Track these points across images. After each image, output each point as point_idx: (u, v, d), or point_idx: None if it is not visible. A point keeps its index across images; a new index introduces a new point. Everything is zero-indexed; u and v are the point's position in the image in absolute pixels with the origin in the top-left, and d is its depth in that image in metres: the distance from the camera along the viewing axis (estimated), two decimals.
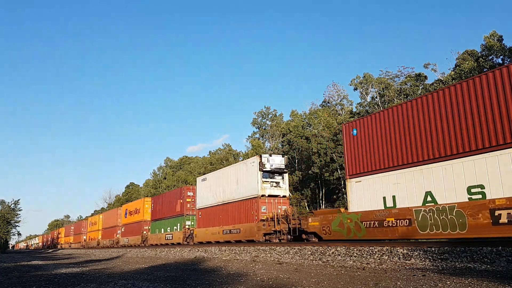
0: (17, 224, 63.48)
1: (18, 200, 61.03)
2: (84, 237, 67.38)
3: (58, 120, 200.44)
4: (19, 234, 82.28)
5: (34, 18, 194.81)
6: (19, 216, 61.92)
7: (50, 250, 77.64)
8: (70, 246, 75.59)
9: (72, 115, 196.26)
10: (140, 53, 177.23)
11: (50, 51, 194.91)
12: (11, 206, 60.43)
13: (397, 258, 11.64)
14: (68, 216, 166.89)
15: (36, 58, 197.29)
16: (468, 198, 12.78)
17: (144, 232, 40.99)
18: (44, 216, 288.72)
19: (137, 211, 43.85)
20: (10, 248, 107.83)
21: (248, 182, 25.22)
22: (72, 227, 79.33)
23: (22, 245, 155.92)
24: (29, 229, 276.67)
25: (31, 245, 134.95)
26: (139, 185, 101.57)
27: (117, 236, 49.89)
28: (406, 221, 14.37)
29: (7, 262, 24.88)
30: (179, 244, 32.73)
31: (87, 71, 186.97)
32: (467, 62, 35.48)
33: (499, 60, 35.35)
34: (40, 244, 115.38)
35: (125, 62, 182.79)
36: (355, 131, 19.08)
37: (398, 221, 14.66)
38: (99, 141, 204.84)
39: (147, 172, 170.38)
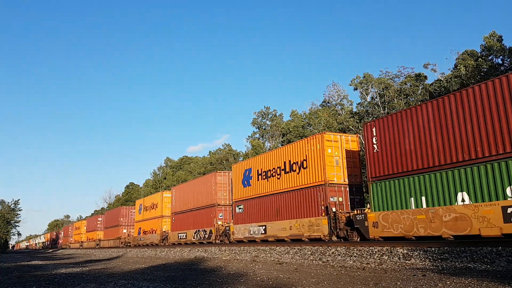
0: (17, 224, 63.22)
1: (18, 200, 60.94)
2: (125, 230, 50.18)
3: (58, 120, 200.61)
4: (19, 234, 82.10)
5: (35, 15, 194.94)
6: (19, 216, 61.72)
7: (50, 250, 77.65)
8: (98, 245, 58.55)
9: (72, 115, 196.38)
10: (140, 53, 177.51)
11: (50, 50, 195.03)
12: (11, 206, 60.31)
13: (397, 258, 11.63)
14: (68, 216, 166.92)
15: (37, 57, 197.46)
16: None
17: (334, 210, 19.53)
18: (44, 216, 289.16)
19: (302, 164, 21.57)
20: (10, 248, 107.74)
21: None
22: (100, 218, 62.13)
23: (23, 245, 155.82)
24: (29, 229, 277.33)
25: (35, 244, 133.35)
26: (139, 185, 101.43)
27: (219, 223, 29.55)
28: None
29: (7, 262, 24.89)
30: None
31: (87, 71, 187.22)
32: (466, 62, 35.47)
33: (499, 61, 35.32)
34: (48, 243, 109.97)
35: (125, 62, 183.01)
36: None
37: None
38: (99, 141, 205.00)
39: (147, 172, 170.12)
